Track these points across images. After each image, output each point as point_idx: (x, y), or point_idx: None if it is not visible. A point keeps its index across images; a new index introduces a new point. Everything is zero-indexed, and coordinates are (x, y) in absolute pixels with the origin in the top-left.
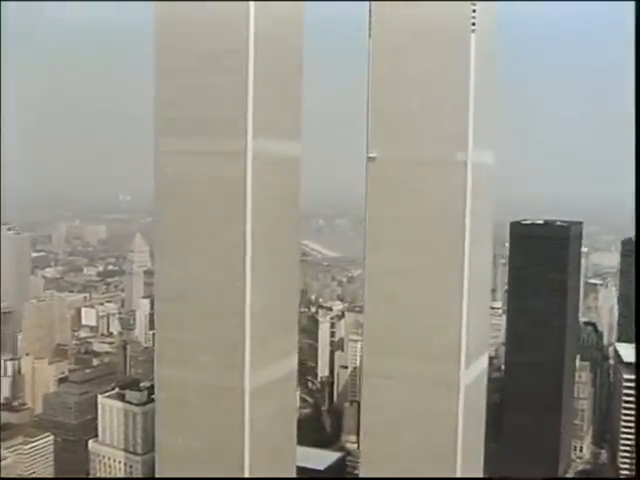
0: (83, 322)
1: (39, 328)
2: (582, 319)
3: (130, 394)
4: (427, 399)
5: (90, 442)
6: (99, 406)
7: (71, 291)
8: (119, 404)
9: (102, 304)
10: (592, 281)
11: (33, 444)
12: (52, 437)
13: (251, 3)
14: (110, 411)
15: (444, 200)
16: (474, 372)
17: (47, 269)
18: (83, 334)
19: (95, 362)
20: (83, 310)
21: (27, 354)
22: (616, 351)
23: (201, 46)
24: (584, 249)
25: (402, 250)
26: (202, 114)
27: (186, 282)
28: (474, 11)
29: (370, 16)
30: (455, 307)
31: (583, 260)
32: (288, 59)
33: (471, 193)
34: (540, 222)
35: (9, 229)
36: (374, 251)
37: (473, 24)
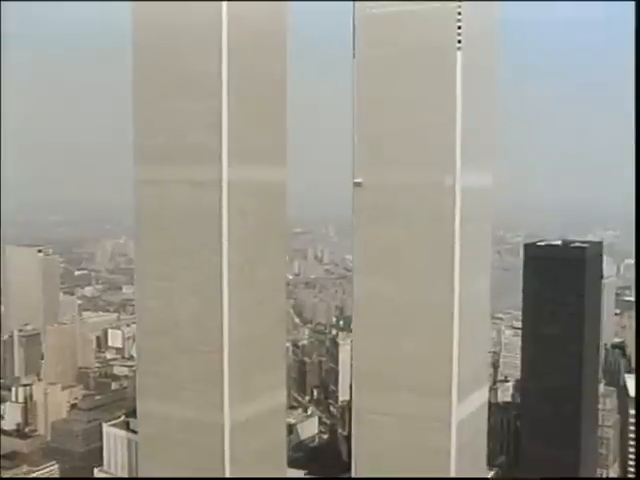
0: (110, 344)
1: (62, 351)
2: (615, 339)
3: (135, 422)
4: (418, 435)
5: (95, 470)
6: (104, 434)
7: (107, 310)
8: (122, 433)
9: (128, 325)
10: (627, 298)
11: (36, 473)
12: (57, 466)
13: (224, 16)
14: (114, 439)
15: (433, 225)
16: (470, 407)
17: (87, 288)
18: (109, 356)
19: (114, 386)
20: (110, 331)
21: (40, 379)
22: (624, 384)
23: (177, 69)
24: (630, 261)
25: (390, 278)
26: (178, 141)
27: (166, 315)
28: (459, 27)
29: (354, 36)
30: (446, 338)
31: (629, 273)
32: (270, 80)
33: (461, 217)
34: (555, 243)
35: (39, 251)
36: (362, 279)
37: (459, 41)
